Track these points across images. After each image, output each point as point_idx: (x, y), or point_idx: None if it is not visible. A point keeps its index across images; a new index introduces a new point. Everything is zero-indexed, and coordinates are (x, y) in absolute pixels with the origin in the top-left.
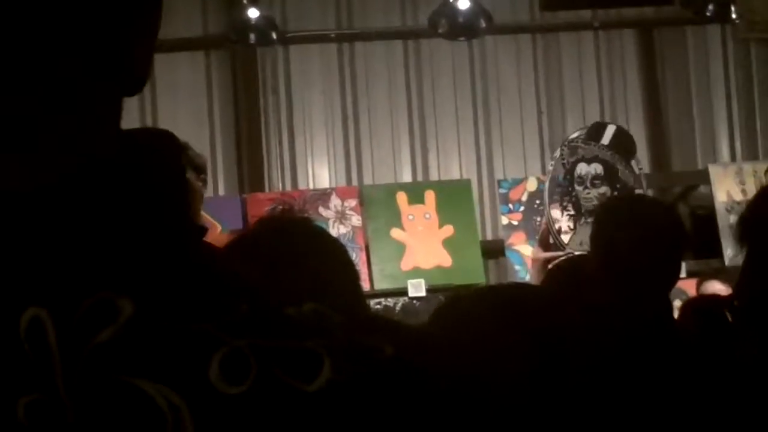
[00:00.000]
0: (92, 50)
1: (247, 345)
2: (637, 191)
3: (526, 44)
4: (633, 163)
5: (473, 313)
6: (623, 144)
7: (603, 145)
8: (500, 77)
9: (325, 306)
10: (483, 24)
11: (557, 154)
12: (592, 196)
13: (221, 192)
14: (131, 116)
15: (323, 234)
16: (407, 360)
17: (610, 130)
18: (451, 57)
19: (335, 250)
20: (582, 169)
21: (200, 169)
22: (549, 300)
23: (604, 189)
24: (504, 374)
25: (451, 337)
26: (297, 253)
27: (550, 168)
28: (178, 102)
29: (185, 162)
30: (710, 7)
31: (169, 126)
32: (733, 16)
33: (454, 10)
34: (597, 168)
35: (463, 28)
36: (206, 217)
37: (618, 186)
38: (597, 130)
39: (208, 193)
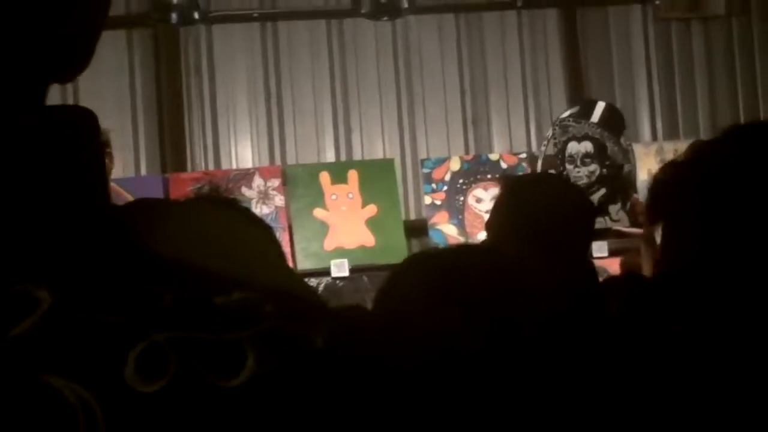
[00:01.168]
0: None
1: (167, 339)
2: (626, 166)
3: (449, 24)
4: (622, 139)
5: (413, 289)
6: (613, 120)
7: (593, 123)
8: (423, 57)
9: (255, 293)
10: (405, 4)
11: (549, 133)
12: (582, 174)
13: (143, 172)
14: (52, 96)
15: (250, 214)
16: (339, 349)
17: (599, 108)
18: (375, 37)
19: (264, 230)
20: (573, 147)
21: (104, 145)
22: (494, 268)
23: (593, 167)
24: (449, 352)
25: (391, 318)
26: (225, 235)
27: (543, 148)
28: (100, 81)
29: None
30: None
31: (90, 105)
32: None
33: None
34: (587, 146)
35: (386, 8)
36: (128, 196)
37: (607, 163)
38: (587, 108)
39: (130, 172)
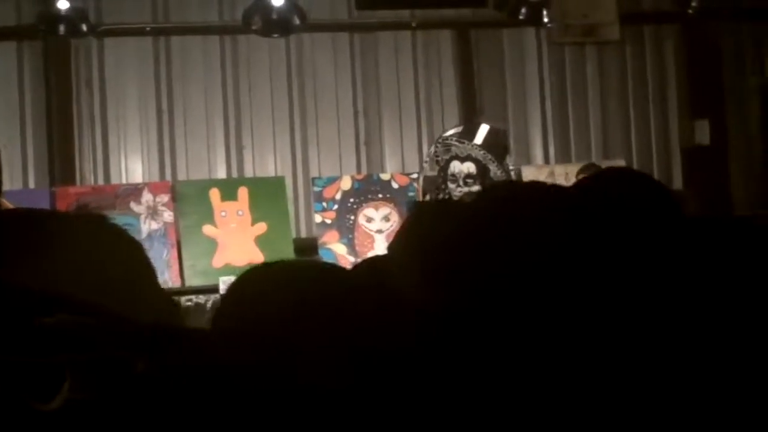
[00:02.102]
0: None
1: None
2: None
3: (343, 43)
4: (506, 162)
5: (263, 305)
6: (496, 143)
7: (476, 144)
8: (317, 76)
9: (81, 314)
10: (297, 21)
11: (431, 150)
12: (463, 193)
13: (31, 185)
14: None
15: (116, 230)
16: (161, 372)
17: (483, 130)
18: (268, 54)
19: (131, 248)
20: (455, 167)
21: None
22: (362, 290)
23: (476, 188)
24: (293, 368)
25: (231, 335)
26: (78, 252)
27: (425, 164)
28: None
29: None
30: (523, 10)
31: None
32: (546, 20)
33: (268, 6)
34: (470, 167)
35: (277, 25)
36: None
37: None
38: (471, 129)
39: (18, 184)
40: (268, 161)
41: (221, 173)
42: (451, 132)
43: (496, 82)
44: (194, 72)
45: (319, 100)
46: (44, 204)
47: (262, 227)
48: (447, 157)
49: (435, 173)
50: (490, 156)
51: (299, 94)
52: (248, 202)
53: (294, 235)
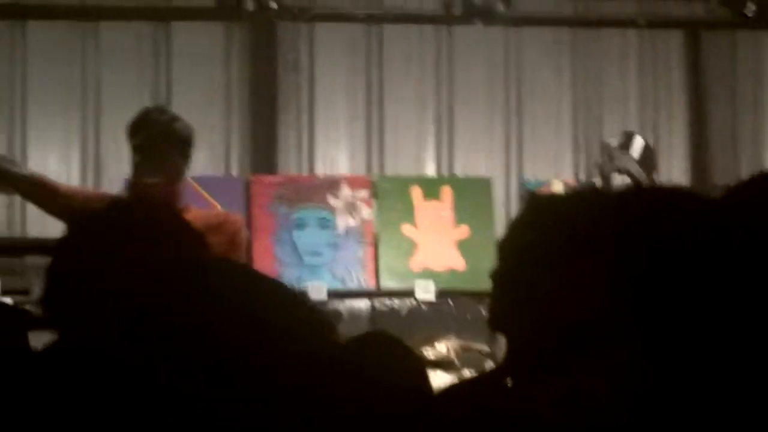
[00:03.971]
0: None
1: None
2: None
3: (564, 38)
4: (654, 177)
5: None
6: (649, 158)
7: (633, 157)
8: (534, 72)
9: None
10: (501, 8)
11: (599, 160)
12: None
13: (233, 171)
14: (144, 88)
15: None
16: None
17: (638, 143)
18: (484, 47)
19: None
20: (616, 179)
21: (186, 143)
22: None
23: None
24: None
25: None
26: None
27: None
28: (193, 72)
29: (172, 132)
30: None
31: (182, 99)
32: None
33: None
34: (626, 181)
35: (478, 12)
36: (208, 198)
37: None
38: (627, 140)
39: (219, 170)
40: (479, 160)
41: (430, 170)
42: (612, 140)
43: (726, 90)
44: (407, 62)
45: (536, 97)
46: (237, 193)
47: (464, 230)
48: (610, 168)
49: (602, 182)
50: (642, 171)
51: (516, 92)
52: (452, 203)
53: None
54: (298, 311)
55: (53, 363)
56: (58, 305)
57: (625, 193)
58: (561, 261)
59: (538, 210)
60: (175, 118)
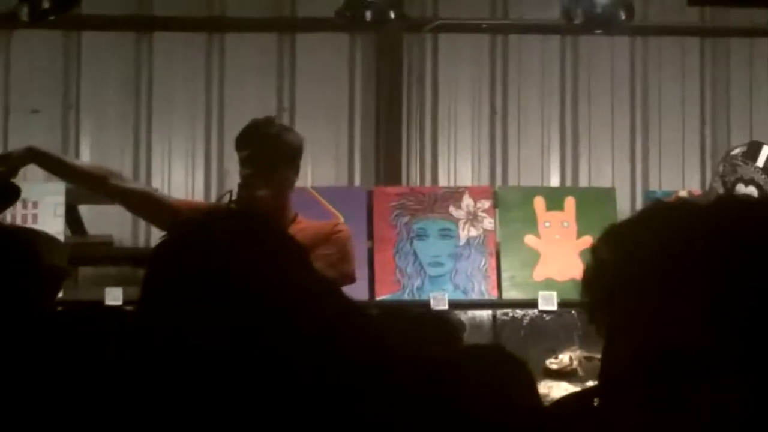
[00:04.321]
0: None
1: None
2: None
3: (694, 47)
4: None
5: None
6: None
7: (758, 167)
8: (661, 82)
9: None
10: (623, 17)
11: (720, 169)
12: None
13: (356, 182)
14: (269, 99)
15: None
16: None
17: (765, 152)
18: (611, 56)
19: None
20: (740, 190)
21: (295, 154)
22: None
23: None
24: None
25: None
26: None
27: (714, 184)
28: (317, 84)
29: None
30: None
31: (306, 110)
32: None
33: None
34: (752, 191)
35: (601, 22)
36: (329, 208)
37: None
38: (754, 149)
39: (343, 181)
40: (604, 171)
41: (554, 180)
42: (737, 150)
43: None
44: (531, 73)
45: (663, 106)
46: (361, 203)
47: (587, 241)
48: (733, 178)
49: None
50: None
51: (642, 101)
52: (575, 213)
53: None
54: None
55: (145, 372)
56: (153, 313)
57: (736, 207)
58: (657, 283)
59: (638, 223)
60: (284, 129)
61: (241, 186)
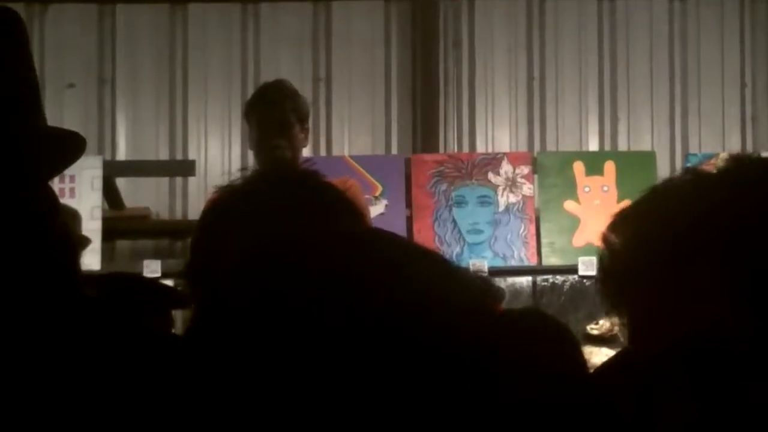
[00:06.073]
0: None
1: None
2: None
3: (733, 9)
4: None
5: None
6: None
7: None
8: (701, 43)
9: None
10: None
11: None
12: None
13: (393, 150)
14: (304, 69)
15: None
16: None
17: None
18: (650, 19)
19: None
20: None
21: (305, 116)
22: None
23: None
24: None
25: None
26: None
27: None
28: (354, 52)
29: (291, 109)
30: None
31: (342, 79)
32: None
33: None
34: None
35: None
36: (367, 177)
37: None
38: None
39: (380, 150)
40: (643, 134)
41: (593, 145)
42: None
43: None
44: (568, 36)
45: (702, 70)
46: (399, 171)
47: None
48: None
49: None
50: None
51: (681, 64)
52: (614, 178)
53: None
54: (459, 281)
55: (192, 347)
56: (200, 279)
57: (752, 168)
58: (671, 270)
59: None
60: (295, 92)
61: (256, 150)
